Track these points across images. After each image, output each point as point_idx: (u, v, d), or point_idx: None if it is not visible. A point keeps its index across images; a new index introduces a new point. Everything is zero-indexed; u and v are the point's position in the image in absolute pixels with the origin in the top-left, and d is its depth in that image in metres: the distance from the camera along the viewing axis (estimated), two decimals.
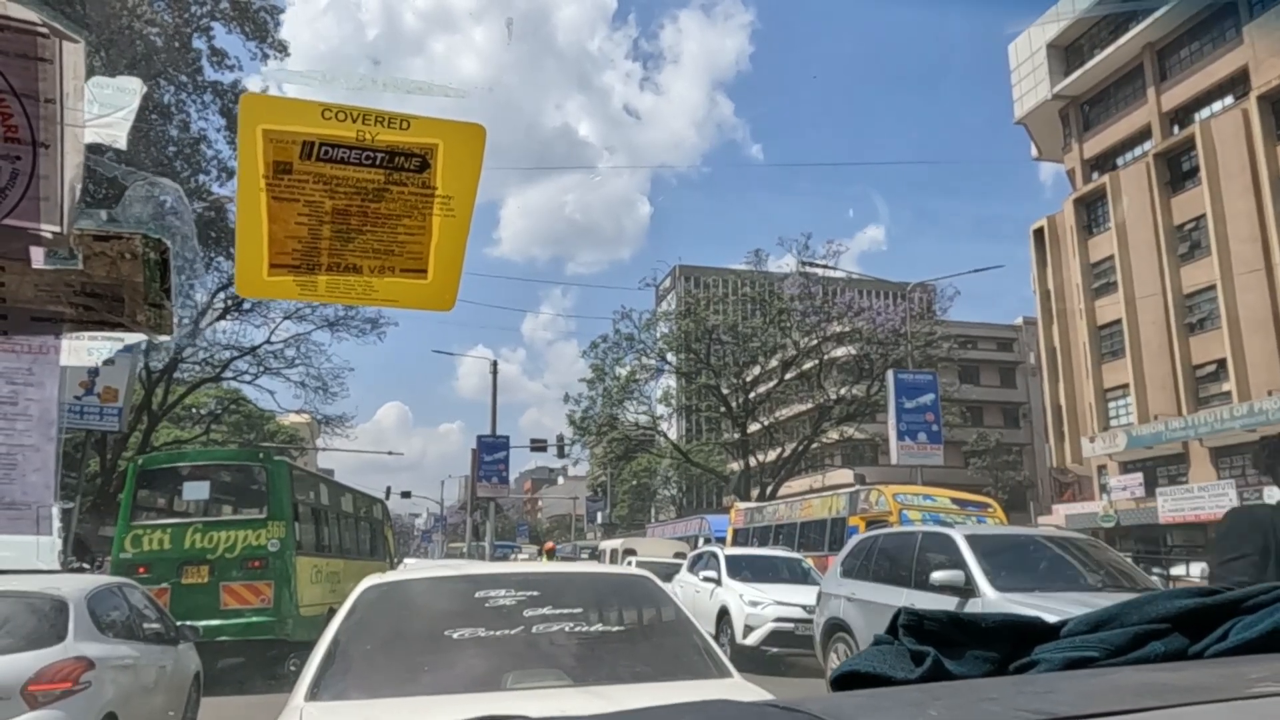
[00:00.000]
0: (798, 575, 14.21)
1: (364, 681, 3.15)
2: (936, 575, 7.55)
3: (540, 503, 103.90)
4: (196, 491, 12.44)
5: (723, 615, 13.14)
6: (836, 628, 9.44)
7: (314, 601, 12.50)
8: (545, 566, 5.16)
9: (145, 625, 7.10)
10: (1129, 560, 8.61)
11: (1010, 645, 1.10)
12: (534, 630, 3.31)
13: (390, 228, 1.57)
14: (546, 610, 3.38)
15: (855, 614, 8.99)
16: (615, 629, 3.55)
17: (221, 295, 25.66)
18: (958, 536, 8.00)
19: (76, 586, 6.15)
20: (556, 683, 3.14)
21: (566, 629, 3.34)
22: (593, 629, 3.43)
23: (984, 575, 7.35)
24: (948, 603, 7.30)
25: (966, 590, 7.36)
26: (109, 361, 1.80)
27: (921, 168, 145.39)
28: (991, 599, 7.07)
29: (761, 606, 12.59)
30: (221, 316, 27.08)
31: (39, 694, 5.27)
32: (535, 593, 3.49)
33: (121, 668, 6.17)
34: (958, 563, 7.63)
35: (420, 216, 1.57)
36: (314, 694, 2.98)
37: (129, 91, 1.62)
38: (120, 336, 1.58)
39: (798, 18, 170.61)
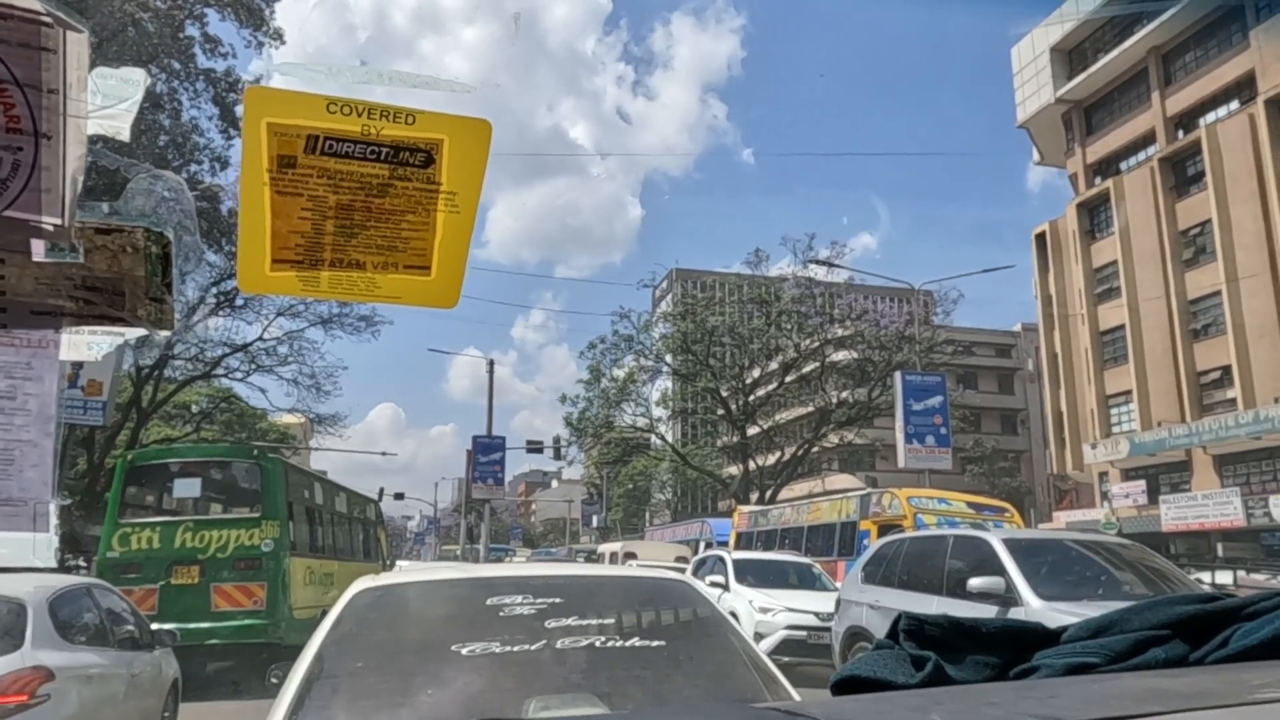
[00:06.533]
0: (808, 581, 13.75)
1: (354, 706, 2.67)
2: (974, 582, 7.09)
3: (534, 506, 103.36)
4: (188, 489, 12.08)
5: None
6: (858, 636, 8.99)
7: (307, 604, 12.09)
8: (569, 568, 4.60)
9: (118, 630, 6.62)
10: (1174, 566, 8.16)
11: (1011, 651, 1.10)
12: (558, 645, 2.79)
13: (394, 223, 1.55)
14: (572, 620, 2.87)
15: (880, 622, 8.52)
16: (655, 644, 2.98)
17: (213, 290, 25.19)
18: (995, 541, 7.53)
19: (37, 588, 5.63)
20: (589, 709, 2.63)
21: (597, 643, 2.83)
22: (629, 644, 2.89)
23: (1026, 583, 6.88)
24: (985, 612, 6.83)
25: (1007, 599, 6.90)
26: None
27: (918, 171, 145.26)
28: (1036, 608, 6.60)
29: (772, 613, 12.12)
30: (213, 312, 26.53)
31: None
32: (558, 599, 2.98)
33: (87, 678, 5.69)
34: (996, 569, 7.16)
35: (425, 212, 1.55)
36: None
37: (132, 83, 1.56)
38: (120, 331, 1.54)
39: (789, 23, 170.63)
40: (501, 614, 2.90)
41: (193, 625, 10.20)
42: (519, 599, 2.97)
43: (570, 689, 2.71)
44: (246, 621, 10.93)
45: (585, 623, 2.89)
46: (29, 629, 5.26)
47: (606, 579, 3.80)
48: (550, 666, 2.75)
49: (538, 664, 2.75)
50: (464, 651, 2.74)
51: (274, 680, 3.14)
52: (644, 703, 2.75)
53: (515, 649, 2.77)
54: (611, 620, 2.96)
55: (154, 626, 7.64)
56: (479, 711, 2.61)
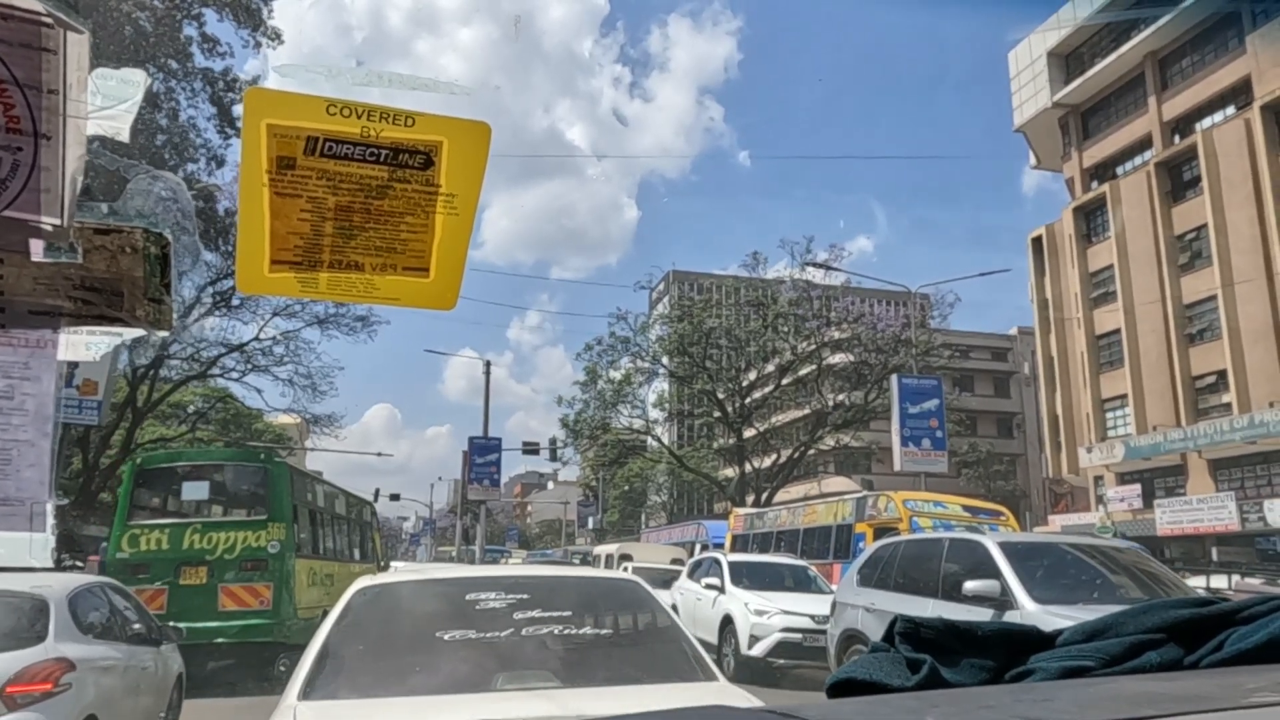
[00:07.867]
0: (804, 583, 13.75)
1: (356, 681, 3.20)
2: (969, 585, 7.09)
3: (530, 507, 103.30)
4: (195, 491, 12.25)
5: (726, 624, 12.65)
6: (853, 639, 8.99)
7: (311, 604, 12.25)
8: (535, 570, 5.32)
9: (128, 626, 6.97)
10: (1168, 570, 8.17)
11: (1006, 654, 1.11)
12: (524, 633, 3.35)
13: (393, 225, 1.55)
14: (536, 613, 3.42)
15: (875, 625, 8.53)
16: (604, 632, 3.60)
17: (210, 290, 25.14)
18: (990, 544, 7.54)
19: (58, 586, 6.02)
20: (545, 684, 3.18)
21: (556, 631, 3.38)
22: (581, 632, 3.46)
23: (1021, 586, 6.89)
24: (981, 614, 6.84)
25: (1002, 602, 6.90)
26: None
27: (915, 174, 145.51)
28: (1031, 611, 6.61)
29: (767, 616, 12.10)
30: (209, 312, 26.47)
31: (18, 696, 5.17)
32: (525, 596, 3.52)
33: (103, 669, 6.05)
34: (991, 572, 7.17)
35: (423, 214, 1.55)
36: (307, 693, 3.00)
37: (132, 84, 1.56)
38: (119, 331, 1.55)
39: (786, 26, 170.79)
40: (478, 607, 3.45)
41: (200, 624, 10.41)
42: (493, 595, 3.51)
43: (532, 668, 3.29)
44: (253, 621, 11.13)
45: (547, 615, 3.42)
46: (52, 623, 5.63)
47: (568, 579, 4.39)
48: (516, 650, 3.31)
49: (506, 648, 3.31)
50: (446, 638, 3.31)
51: (282, 669, 3.60)
52: (593, 680, 3.26)
53: (488, 635, 3.33)
54: (569, 613, 3.50)
55: (161, 624, 7.91)
56: (457, 685, 3.15)
